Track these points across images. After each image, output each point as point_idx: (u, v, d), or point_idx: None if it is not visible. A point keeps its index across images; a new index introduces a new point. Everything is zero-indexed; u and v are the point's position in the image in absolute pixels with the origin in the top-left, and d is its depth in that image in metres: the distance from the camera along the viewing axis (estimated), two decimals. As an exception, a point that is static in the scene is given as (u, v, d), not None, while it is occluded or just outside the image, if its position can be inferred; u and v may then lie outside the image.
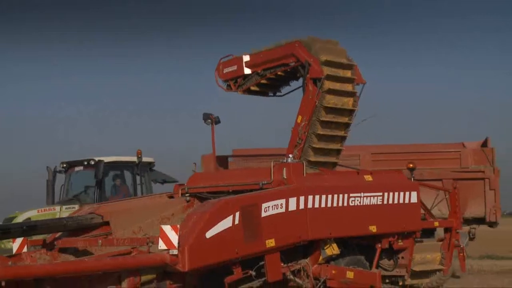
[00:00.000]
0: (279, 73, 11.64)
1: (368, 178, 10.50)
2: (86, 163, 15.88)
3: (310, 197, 9.52)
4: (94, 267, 8.00)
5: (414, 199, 10.76)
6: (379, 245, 10.55)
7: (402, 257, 11.04)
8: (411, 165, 11.46)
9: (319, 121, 10.92)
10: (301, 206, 9.42)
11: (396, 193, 10.54)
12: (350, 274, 9.85)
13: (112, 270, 8.14)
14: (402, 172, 11.31)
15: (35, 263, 8.94)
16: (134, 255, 8.36)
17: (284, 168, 9.69)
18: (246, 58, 11.91)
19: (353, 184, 10.23)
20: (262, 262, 9.20)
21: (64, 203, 15.65)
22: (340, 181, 10.22)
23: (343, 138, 11.44)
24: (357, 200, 10.08)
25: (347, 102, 11.23)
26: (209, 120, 12.87)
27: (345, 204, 9.93)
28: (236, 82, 12.14)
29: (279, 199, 9.22)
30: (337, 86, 11.06)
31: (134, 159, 16.01)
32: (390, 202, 10.47)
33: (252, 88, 12.15)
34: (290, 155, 10.10)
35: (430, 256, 11.60)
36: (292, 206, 9.34)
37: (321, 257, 9.88)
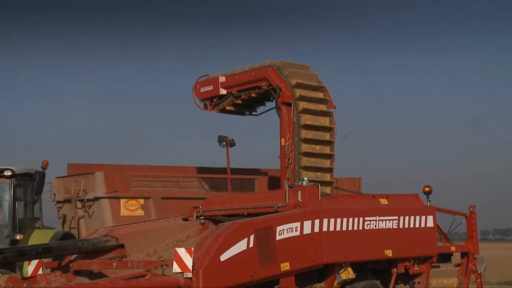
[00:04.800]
0: (253, 95, 12.35)
1: (384, 201, 10.44)
2: None
3: (325, 220, 9.48)
4: (108, 290, 7.98)
5: (430, 223, 10.69)
6: (395, 270, 10.47)
7: (419, 282, 10.94)
8: (427, 189, 11.38)
9: (302, 140, 11.55)
10: (316, 229, 9.38)
11: (412, 217, 10.48)
12: (365, 299, 9.80)
13: (126, 292, 8.11)
14: (419, 196, 11.24)
15: (50, 285, 8.95)
16: (149, 278, 8.34)
17: (299, 191, 9.66)
18: (222, 79, 12.55)
19: (368, 207, 10.17)
20: (277, 286, 9.15)
21: None
22: (355, 205, 10.18)
23: (331, 156, 11.92)
24: (373, 224, 10.02)
25: (324, 122, 11.89)
26: (224, 143, 13.09)
27: (360, 227, 9.88)
28: (212, 101, 12.76)
29: (294, 222, 9.19)
30: (311, 106, 11.76)
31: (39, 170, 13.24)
32: (406, 226, 10.41)
33: (228, 108, 12.79)
34: (305, 178, 10.10)
35: (446, 281, 11.46)
36: (307, 229, 9.30)
37: (336, 281, 9.81)
